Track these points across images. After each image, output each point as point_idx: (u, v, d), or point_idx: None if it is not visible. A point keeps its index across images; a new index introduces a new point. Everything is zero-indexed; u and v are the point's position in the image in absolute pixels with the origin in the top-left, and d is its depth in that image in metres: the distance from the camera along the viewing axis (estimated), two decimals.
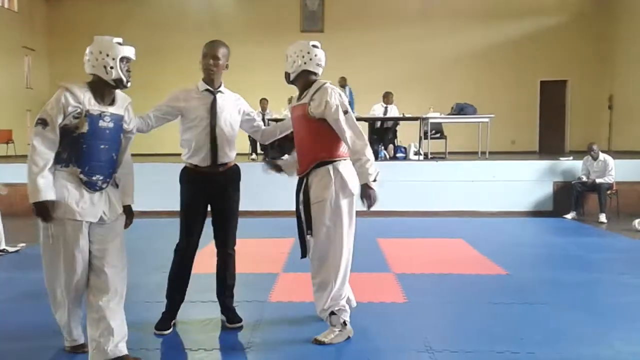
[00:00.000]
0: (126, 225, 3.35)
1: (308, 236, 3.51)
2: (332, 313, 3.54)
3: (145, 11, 15.68)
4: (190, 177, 3.69)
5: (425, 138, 10.71)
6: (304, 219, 3.51)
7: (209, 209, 3.78)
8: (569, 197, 9.05)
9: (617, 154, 10.48)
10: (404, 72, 14.72)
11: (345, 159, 3.48)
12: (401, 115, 10.98)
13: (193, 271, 3.83)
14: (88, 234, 3.07)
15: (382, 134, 10.93)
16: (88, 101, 3.04)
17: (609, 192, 8.78)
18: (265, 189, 9.56)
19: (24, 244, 6.77)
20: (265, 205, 8.96)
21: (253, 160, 10.90)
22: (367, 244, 6.90)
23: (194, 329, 3.82)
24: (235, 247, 3.89)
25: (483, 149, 10.86)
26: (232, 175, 3.78)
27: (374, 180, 3.32)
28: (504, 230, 8.12)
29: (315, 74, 3.56)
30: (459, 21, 15.14)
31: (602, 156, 8.90)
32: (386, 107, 10.99)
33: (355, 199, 3.49)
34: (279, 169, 3.90)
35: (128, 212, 3.36)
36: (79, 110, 3.01)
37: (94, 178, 3.08)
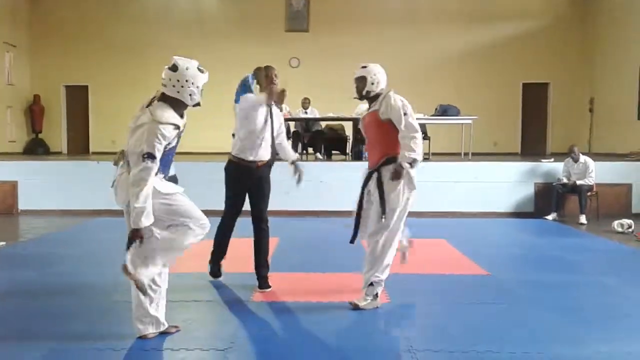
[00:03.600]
0: None
1: (383, 219, 4.12)
2: (371, 284, 4.20)
3: (130, 8, 15.53)
4: (236, 168, 4.60)
5: None
6: (380, 206, 4.12)
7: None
8: (550, 199, 9.16)
9: (598, 156, 10.61)
10: (388, 72, 14.59)
11: None
12: None
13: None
14: None
15: None
16: (179, 122, 3.35)
17: (589, 193, 8.90)
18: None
19: (3, 243, 6.68)
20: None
21: None
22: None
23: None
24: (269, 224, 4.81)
25: (466, 150, 10.94)
26: (267, 168, 4.67)
27: (410, 165, 4.06)
28: (485, 231, 8.19)
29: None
30: (443, 23, 15.23)
31: (582, 158, 9.02)
32: None
33: (416, 193, 4.23)
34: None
35: None
36: (177, 132, 3.33)
37: (167, 178, 3.49)
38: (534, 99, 15.50)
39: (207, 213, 3.48)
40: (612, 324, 3.94)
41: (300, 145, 11.37)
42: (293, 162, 4.77)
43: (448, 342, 3.54)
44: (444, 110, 10.84)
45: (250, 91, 7.76)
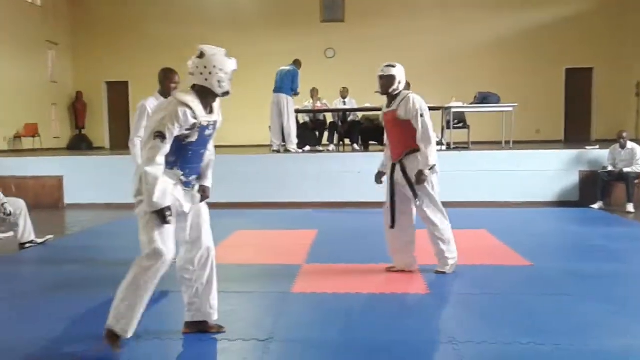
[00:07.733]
0: (202, 199, 3.48)
1: (417, 202, 4.68)
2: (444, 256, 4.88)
3: (167, 5, 15.75)
4: None
5: (448, 128, 10.62)
6: (411, 191, 4.66)
7: None
8: (595, 187, 8.91)
9: None
10: (425, 61, 14.56)
11: None
12: None
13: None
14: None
15: None
16: (201, 114, 3.18)
17: (636, 181, 8.62)
18: (290, 180, 9.55)
19: (51, 236, 6.88)
20: (289, 196, 8.95)
21: (276, 151, 10.81)
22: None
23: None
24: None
25: (507, 138, 10.73)
26: None
27: (430, 169, 4.54)
28: (528, 220, 8.01)
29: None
30: (482, 9, 14.94)
31: (629, 145, 8.74)
32: None
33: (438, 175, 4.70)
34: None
35: (204, 190, 3.49)
36: (194, 123, 3.15)
37: (190, 178, 3.34)
38: (578, 84, 15.08)
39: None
40: None
41: (336, 136, 11.33)
42: None
43: (490, 334, 3.48)
44: (483, 98, 10.63)
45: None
